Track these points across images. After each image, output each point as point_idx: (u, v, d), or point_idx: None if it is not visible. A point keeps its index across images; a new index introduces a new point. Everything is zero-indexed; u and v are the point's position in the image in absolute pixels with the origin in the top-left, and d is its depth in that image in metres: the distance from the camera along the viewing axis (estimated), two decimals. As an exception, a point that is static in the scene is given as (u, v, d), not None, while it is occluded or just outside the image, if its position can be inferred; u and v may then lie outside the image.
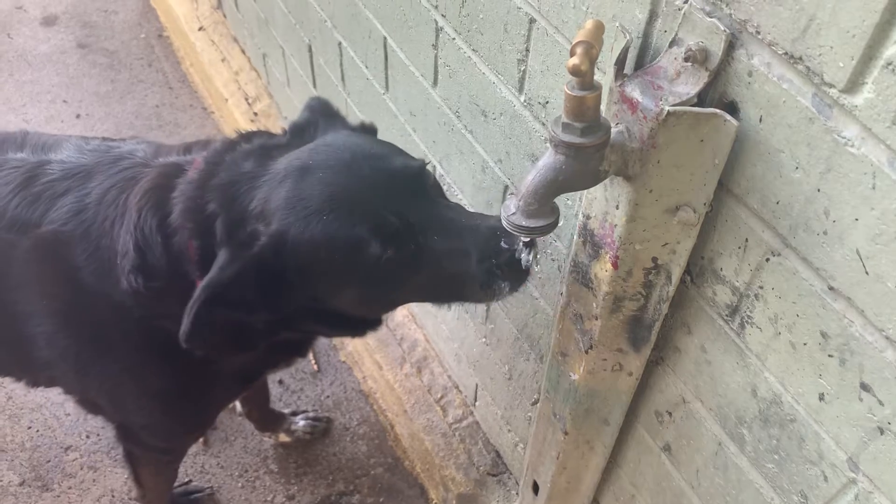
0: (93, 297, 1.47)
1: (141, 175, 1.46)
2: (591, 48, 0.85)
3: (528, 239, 1.15)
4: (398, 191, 1.25)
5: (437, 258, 1.25)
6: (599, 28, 0.88)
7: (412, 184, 1.28)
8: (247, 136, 1.44)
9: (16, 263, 1.50)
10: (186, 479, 2.45)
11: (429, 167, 1.32)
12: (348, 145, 1.33)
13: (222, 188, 1.32)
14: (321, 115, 1.46)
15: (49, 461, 2.49)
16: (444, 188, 1.88)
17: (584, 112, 0.89)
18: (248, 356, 1.57)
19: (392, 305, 1.48)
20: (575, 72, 0.84)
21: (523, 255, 1.18)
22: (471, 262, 1.22)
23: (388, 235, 1.21)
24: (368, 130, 1.51)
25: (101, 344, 1.55)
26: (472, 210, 1.43)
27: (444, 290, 1.33)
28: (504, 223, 0.99)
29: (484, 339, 2.06)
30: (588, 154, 0.93)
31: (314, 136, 1.40)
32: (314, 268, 1.27)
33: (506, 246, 1.19)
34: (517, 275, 1.23)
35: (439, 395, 2.46)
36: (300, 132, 1.43)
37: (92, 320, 1.51)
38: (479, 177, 1.68)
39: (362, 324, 1.49)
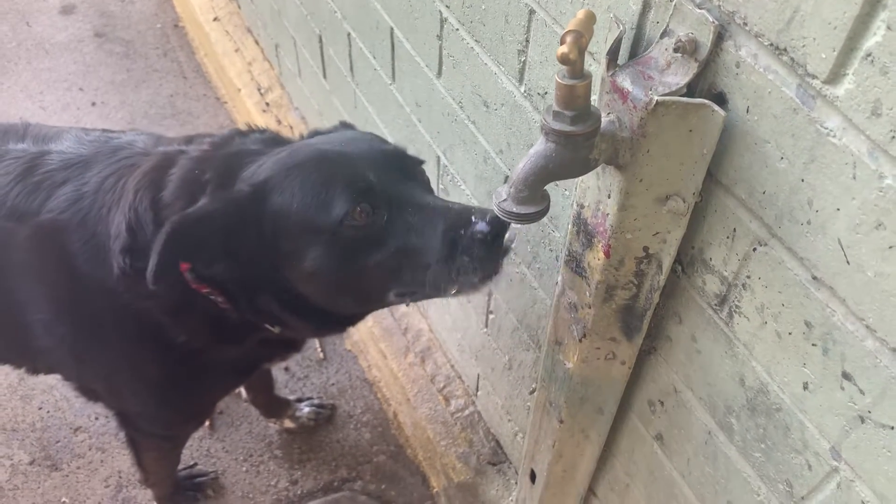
0: (88, 285, 1.49)
1: (141, 162, 1.49)
2: (581, 37, 0.86)
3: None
4: (386, 166, 1.28)
5: (406, 231, 1.25)
6: (590, 18, 0.89)
7: (401, 166, 1.31)
8: (261, 130, 1.48)
9: (15, 251, 1.53)
10: (191, 463, 2.49)
11: (425, 167, 1.36)
12: (353, 133, 1.39)
13: (223, 158, 1.34)
14: (341, 125, 1.54)
15: (59, 441, 2.54)
16: (448, 179, 1.91)
17: (574, 101, 0.91)
18: (238, 349, 1.59)
19: (352, 291, 1.37)
20: (564, 60, 0.85)
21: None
22: (437, 236, 1.22)
23: (361, 195, 1.23)
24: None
25: (97, 332, 1.58)
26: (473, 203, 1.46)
27: (408, 270, 1.28)
28: (495, 210, 1.00)
29: (485, 330, 2.08)
30: (578, 142, 0.94)
31: None
32: (285, 219, 1.26)
33: (474, 220, 1.19)
34: (484, 252, 1.21)
35: (442, 385, 2.48)
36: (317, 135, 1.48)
37: (88, 308, 1.54)
38: (482, 167, 1.70)
39: (327, 319, 1.46)
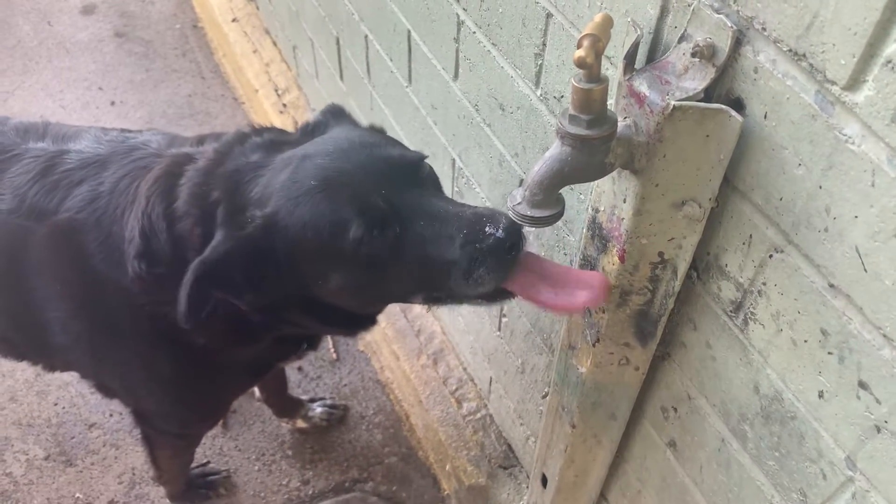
0: (104, 284, 1.50)
1: (153, 164, 1.50)
2: (598, 41, 0.86)
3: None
4: (389, 177, 1.27)
5: (421, 243, 1.24)
6: (607, 22, 0.89)
7: (405, 172, 1.29)
8: (258, 131, 1.48)
9: (34, 249, 1.55)
10: (204, 461, 2.50)
11: (428, 161, 1.33)
12: (349, 136, 1.36)
13: (227, 176, 1.35)
14: (332, 116, 1.50)
15: (73, 437, 2.56)
16: (463, 181, 1.91)
17: (590, 104, 0.91)
18: (254, 348, 1.59)
19: (378, 298, 1.45)
20: (581, 64, 0.85)
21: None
22: (453, 247, 1.20)
23: (372, 218, 1.22)
24: (376, 131, 1.53)
25: (113, 330, 1.59)
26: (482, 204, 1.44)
27: (427, 279, 1.28)
28: (509, 212, 1.00)
29: (498, 333, 2.07)
30: (594, 146, 0.94)
31: (323, 133, 1.44)
32: (301, 248, 1.28)
33: (489, 230, 1.17)
34: (500, 260, 1.19)
35: (454, 387, 2.48)
36: (311, 132, 1.46)
37: (104, 306, 1.55)
38: (497, 170, 1.70)
39: (354, 320, 1.49)
